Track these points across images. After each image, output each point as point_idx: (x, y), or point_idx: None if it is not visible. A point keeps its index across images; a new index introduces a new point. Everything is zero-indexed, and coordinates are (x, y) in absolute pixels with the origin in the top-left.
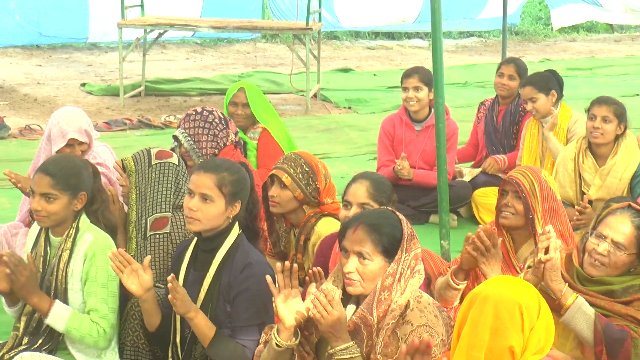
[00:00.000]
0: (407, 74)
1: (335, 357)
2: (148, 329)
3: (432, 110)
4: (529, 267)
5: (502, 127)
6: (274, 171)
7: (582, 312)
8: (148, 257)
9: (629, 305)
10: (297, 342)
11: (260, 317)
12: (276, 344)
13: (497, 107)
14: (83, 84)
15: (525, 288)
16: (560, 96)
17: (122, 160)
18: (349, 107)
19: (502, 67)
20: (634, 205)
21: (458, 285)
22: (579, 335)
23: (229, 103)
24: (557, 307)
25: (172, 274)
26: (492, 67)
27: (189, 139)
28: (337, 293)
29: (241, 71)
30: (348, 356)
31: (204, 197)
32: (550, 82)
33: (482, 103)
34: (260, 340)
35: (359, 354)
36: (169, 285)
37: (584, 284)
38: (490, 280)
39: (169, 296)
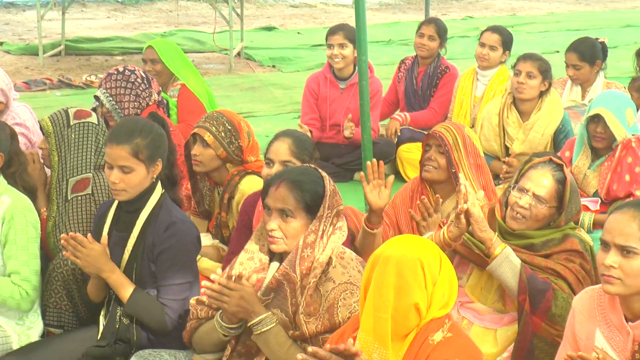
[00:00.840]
0: (333, 31)
1: (255, 332)
2: (93, 300)
3: (357, 68)
4: (451, 221)
5: (421, 89)
6: (195, 130)
7: (509, 261)
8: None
9: (548, 258)
10: (241, 329)
11: (184, 276)
12: (223, 334)
13: (417, 69)
14: (0, 43)
15: (424, 244)
16: (507, 58)
17: (39, 121)
18: (273, 66)
19: (422, 27)
20: (554, 159)
21: (373, 229)
22: (503, 284)
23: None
24: (480, 260)
25: (72, 233)
26: (415, 25)
27: (111, 99)
28: (236, 271)
29: (163, 30)
30: (266, 328)
31: (123, 169)
32: (510, 42)
33: (402, 61)
34: (190, 316)
35: (275, 323)
36: (64, 242)
37: (505, 238)
38: (390, 241)
39: (65, 253)
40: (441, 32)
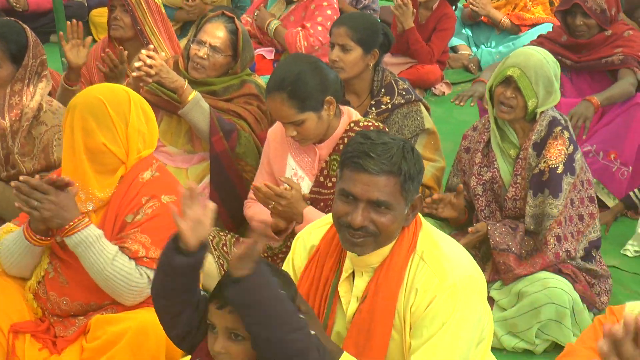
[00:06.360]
0: None
1: None
2: None
3: None
4: (133, 76)
5: None
6: None
7: (199, 106)
8: None
9: (230, 102)
10: None
11: None
12: None
13: None
14: None
15: (111, 89)
16: None
17: None
18: None
19: None
20: (226, 12)
21: (72, 86)
22: (195, 127)
23: None
24: (170, 106)
25: None
26: None
27: None
28: None
29: None
30: None
31: None
32: None
33: None
34: None
35: None
36: None
37: (190, 86)
38: (82, 91)
39: None
40: None
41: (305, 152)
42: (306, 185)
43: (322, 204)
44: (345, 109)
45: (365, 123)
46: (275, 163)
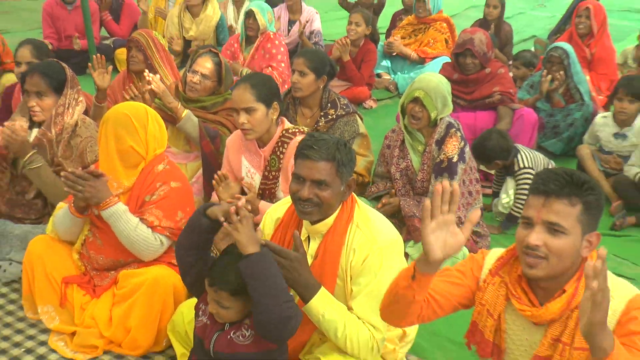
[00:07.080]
0: None
1: (27, 168)
2: None
3: None
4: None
5: None
6: None
7: (190, 120)
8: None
9: (216, 114)
10: None
11: None
12: None
13: None
14: None
15: (132, 105)
16: None
17: None
18: None
19: None
20: (212, 49)
21: (100, 103)
22: (189, 135)
23: None
24: (171, 119)
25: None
26: None
27: None
28: (22, 122)
29: None
30: (35, 165)
31: None
32: None
33: None
34: None
35: (42, 161)
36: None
37: (187, 103)
38: (112, 108)
39: None
40: None
41: (254, 154)
42: (258, 179)
43: (267, 192)
44: (282, 119)
45: (294, 130)
46: (234, 164)
